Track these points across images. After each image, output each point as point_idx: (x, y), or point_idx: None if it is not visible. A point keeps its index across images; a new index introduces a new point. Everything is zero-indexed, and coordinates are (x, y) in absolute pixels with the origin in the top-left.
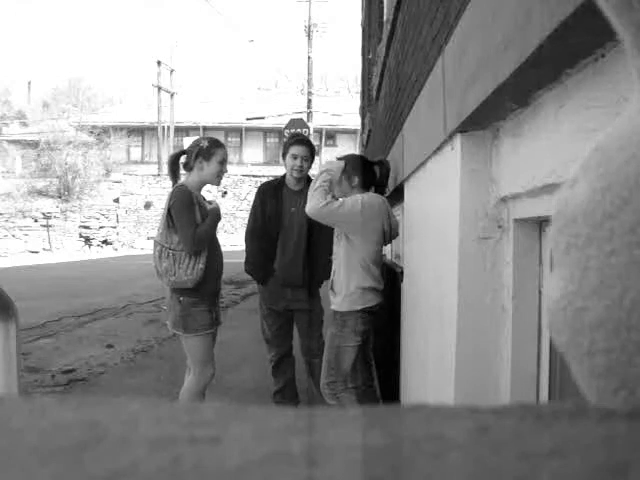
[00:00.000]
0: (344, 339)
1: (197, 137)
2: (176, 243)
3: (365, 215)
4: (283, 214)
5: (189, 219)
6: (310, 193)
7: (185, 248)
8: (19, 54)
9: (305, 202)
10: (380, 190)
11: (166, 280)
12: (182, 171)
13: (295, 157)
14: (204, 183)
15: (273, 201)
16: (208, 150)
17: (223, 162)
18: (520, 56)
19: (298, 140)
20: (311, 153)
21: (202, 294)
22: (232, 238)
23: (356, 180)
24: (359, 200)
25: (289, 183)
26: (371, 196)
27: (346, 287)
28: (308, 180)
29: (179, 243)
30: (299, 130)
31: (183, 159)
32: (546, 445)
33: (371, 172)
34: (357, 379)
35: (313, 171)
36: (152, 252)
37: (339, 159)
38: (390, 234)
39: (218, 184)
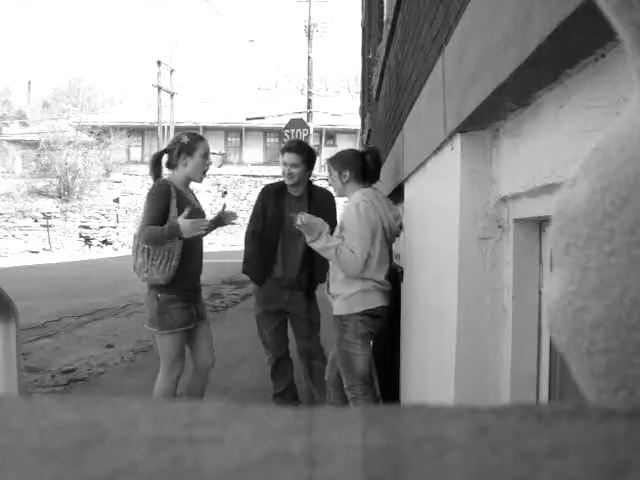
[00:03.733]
0: (348, 344)
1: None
2: None
3: (372, 224)
4: (284, 218)
5: (150, 212)
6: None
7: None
8: (19, 54)
9: (304, 207)
10: (372, 179)
11: (140, 276)
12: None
13: (285, 164)
14: (189, 179)
15: (274, 204)
16: (190, 145)
17: (206, 155)
18: (520, 56)
19: (286, 147)
20: (303, 159)
21: (179, 291)
22: (232, 238)
23: (347, 175)
24: (359, 220)
25: (289, 188)
26: (363, 199)
27: (346, 289)
28: (310, 185)
29: None
30: (298, 131)
31: (165, 158)
32: (546, 445)
33: (363, 163)
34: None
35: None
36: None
37: (328, 159)
38: (390, 231)
39: (200, 180)
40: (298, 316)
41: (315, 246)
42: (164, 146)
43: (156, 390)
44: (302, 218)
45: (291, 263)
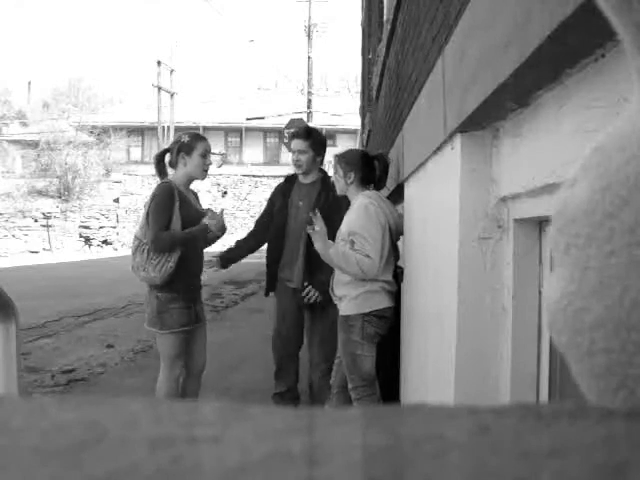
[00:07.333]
0: (354, 345)
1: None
2: None
3: (382, 225)
4: (290, 208)
5: (159, 217)
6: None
7: (148, 244)
8: (19, 54)
9: (314, 195)
10: (379, 186)
11: (138, 275)
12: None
13: (293, 152)
14: (190, 178)
15: (281, 196)
16: (189, 144)
17: (206, 155)
18: (520, 56)
19: (293, 134)
20: (310, 145)
21: (178, 291)
22: (232, 238)
23: (352, 176)
24: (370, 223)
25: (299, 177)
26: (370, 201)
27: (352, 291)
28: (325, 175)
29: None
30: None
31: (168, 157)
32: (546, 445)
33: (370, 167)
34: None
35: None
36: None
37: (336, 155)
38: (396, 231)
39: (203, 178)
40: (313, 320)
41: (329, 253)
42: (164, 146)
43: (158, 390)
44: (318, 224)
45: (292, 256)
